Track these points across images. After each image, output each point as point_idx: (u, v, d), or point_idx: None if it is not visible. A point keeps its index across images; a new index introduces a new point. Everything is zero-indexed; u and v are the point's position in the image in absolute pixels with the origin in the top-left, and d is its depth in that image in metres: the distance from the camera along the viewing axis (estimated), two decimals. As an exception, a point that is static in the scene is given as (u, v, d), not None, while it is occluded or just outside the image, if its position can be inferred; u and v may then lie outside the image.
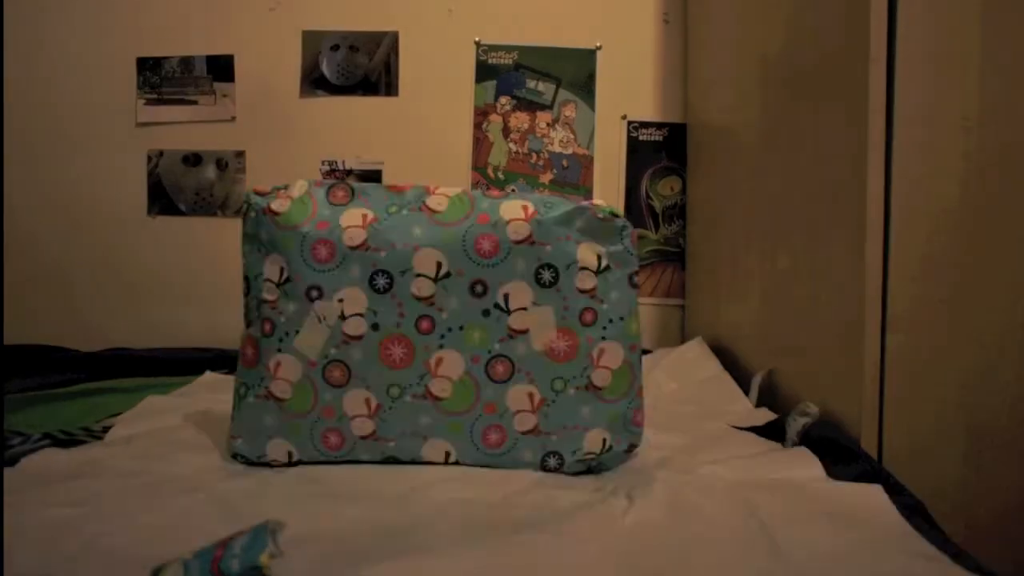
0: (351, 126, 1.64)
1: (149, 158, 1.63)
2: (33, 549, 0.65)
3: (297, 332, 0.80)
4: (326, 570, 0.62)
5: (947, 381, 0.86)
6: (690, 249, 1.62)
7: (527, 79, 1.63)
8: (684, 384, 1.26)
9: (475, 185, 1.63)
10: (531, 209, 0.82)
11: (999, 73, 0.83)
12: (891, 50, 0.85)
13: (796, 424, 0.93)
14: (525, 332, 0.81)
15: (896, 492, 0.76)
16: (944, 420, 0.86)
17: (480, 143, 1.64)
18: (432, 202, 0.86)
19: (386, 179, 1.64)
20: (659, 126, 1.65)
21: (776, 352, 1.12)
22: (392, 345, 0.80)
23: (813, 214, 1.00)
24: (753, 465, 0.85)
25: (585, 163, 1.64)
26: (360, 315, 0.80)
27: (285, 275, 0.81)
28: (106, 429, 1.01)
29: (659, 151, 1.65)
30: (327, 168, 1.63)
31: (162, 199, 1.63)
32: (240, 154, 1.63)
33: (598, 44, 1.63)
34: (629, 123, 1.65)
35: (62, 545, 0.66)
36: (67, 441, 0.96)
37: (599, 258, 0.82)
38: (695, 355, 1.34)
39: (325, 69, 1.62)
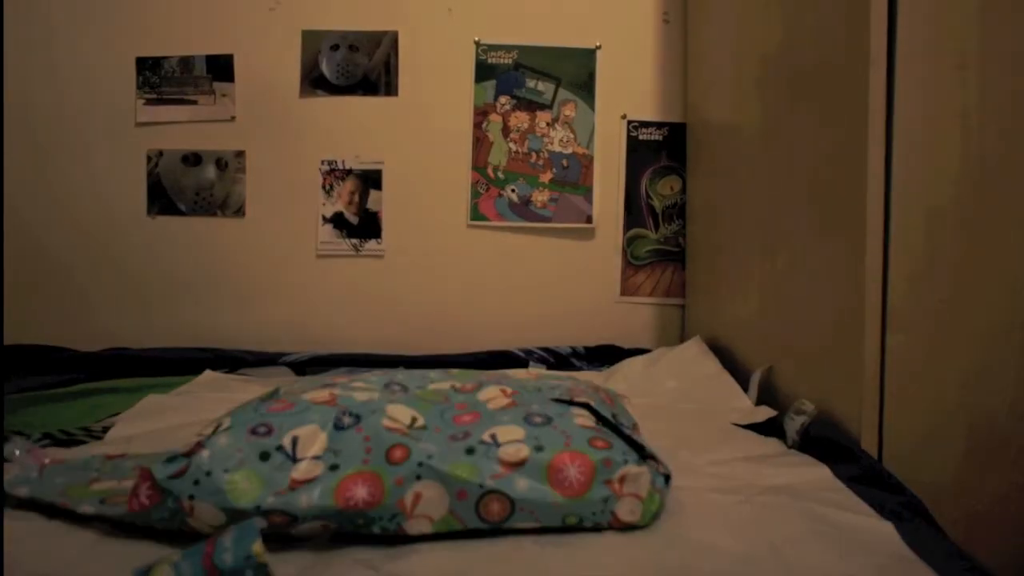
0: (351, 126, 1.63)
1: (149, 158, 1.63)
2: (33, 549, 0.65)
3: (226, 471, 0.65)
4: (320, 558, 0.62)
5: (947, 380, 0.86)
6: (690, 249, 1.62)
7: (527, 79, 1.63)
8: (683, 382, 1.26)
9: (475, 184, 1.63)
10: (509, 391, 0.78)
11: (999, 73, 0.83)
12: (891, 50, 0.85)
13: (794, 423, 0.93)
14: (522, 463, 0.68)
15: (896, 492, 0.76)
16: (944, 419, 0.86)
17: (480, 143, 1.63)
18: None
19: (386, 178, 1.64)
20: (659, 126, 1.65)
21: (776, 352, 1.12)
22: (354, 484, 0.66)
23: (813, 214, 1.00)
24: (758, 469, 0.85)
25: (585, 162, 1.64)
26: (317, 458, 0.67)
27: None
28: (106, 429, 1.01)
29: (659, 151, 1.65)
30: (327, 168, 1.63)
31: (162, 199, 1.63)
32: (240, 154, 1.63)
33: (598, 44, 1.63)
34: (629, 123, 1.65)
35: (62, 546, 0.66)
36: (67, 441, 0.96)
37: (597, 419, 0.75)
38: (693, 354, 1.35)
39: (325, 69, 1.62)
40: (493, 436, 0.70)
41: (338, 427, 0.69)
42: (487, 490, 0.66)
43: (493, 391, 0.80)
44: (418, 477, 0.66)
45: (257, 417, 0.70)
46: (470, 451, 0.68)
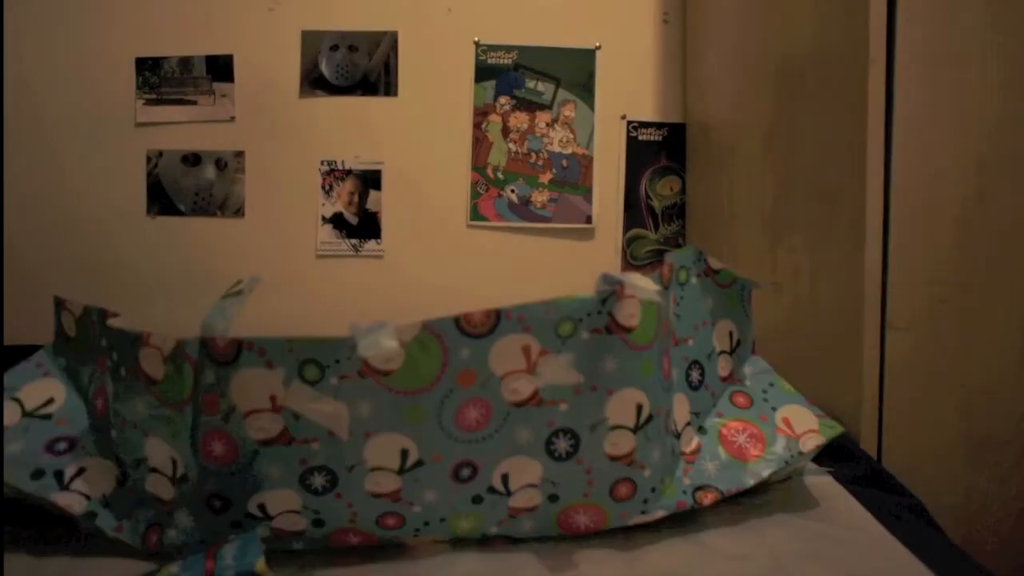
0: (350, 126, 1.63)
1: (148, 158, 1.63)
2: (32, 553, 0.65)
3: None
4: None
5: (947, 381, 0.86)
6: (690, 249, 1.62)
7: (526, 79, 1.63)
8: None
9: (474, 185, 1.63)
10: (536, 348, 0.60)
11: (998, 72, 0.83)
12: (890, 50, 0.85)
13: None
14: (534, 510, 0.63)
15: (896, 493, 0.76)
16: (944, 420, 0.86)
17: (479, 143, 1.63)
18: (376, 358, 0.56)
19: (386, 179, 1.64)
20: (658, 126, 1.65)
21: (775, 352, 1.12)
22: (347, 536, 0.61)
23: (813, 214, 1.00)
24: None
25: (584, 163, 1.64)
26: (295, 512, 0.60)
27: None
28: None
29: (658, 151, 1.65)
30: (327, 168, 1.63)
31: (161, 199, 1.63)
32: (239, 154, 1.63)
33: (597, 44, 1.63)
34: (628, 123, 1.64)
35: (62, 546, 0.66)
36: (66, 442, 0.95)
37: (639, 408, 0.62)
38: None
39: (324, 69, 1.62)
40: (504, 479, 0.61)
41: (310, 491, 0.58)
42: (490, 536, 0.65)
43: (514, 350, 0.60)
44: (416, 533, 0.63)
45: (211, 484, 0.58)
46: (477, 500, 0.61)
